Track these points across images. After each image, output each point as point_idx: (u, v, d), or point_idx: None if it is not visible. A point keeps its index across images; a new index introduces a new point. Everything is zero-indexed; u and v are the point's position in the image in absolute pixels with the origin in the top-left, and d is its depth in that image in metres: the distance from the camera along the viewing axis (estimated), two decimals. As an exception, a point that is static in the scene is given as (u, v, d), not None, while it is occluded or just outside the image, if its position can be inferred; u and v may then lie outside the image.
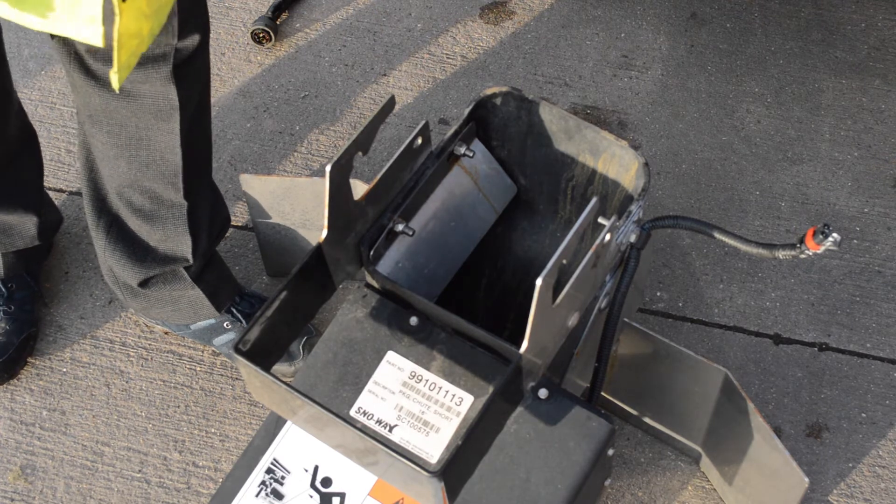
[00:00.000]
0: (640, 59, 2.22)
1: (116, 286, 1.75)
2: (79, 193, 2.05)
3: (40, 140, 2.11)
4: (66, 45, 1.42)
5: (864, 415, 1.77)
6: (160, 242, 1.64)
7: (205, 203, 1.65)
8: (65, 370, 1.85)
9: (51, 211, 1.90)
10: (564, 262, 1.15)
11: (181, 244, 1.64)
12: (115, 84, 1.21)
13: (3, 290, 1.82)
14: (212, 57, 2.24)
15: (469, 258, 1.50)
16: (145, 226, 1.62)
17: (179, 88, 1.44)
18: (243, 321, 1.79)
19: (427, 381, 1.31)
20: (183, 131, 1.49)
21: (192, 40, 1.42)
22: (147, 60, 1.40)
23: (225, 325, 1.79)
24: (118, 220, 1.64)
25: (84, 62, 1.42)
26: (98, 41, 1.16)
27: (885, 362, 1.82)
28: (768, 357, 1.83)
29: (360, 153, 1.25)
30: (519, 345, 1.19)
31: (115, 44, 1.17)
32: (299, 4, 2.33)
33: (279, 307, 1.23)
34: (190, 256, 1.66)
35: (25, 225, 1.77)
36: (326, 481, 1.33)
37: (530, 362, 1.22)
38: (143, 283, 1.70)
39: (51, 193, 2.05)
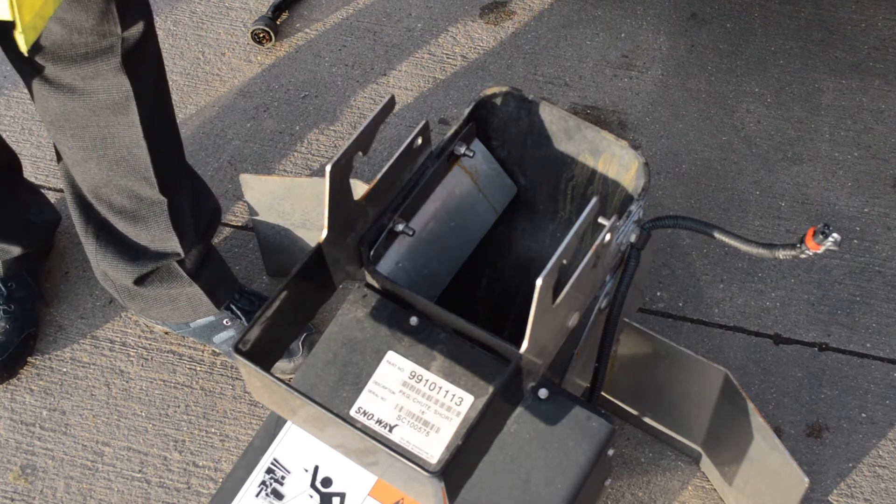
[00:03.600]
0: (640, 59, 2.22)
1: (113, 289, 1.76)
2: (79, 193, 2.05)
3: (39, 140, 2.12)
4: (18, 51, 1.42)
5: (864, 415, 1.77)
6: (149, 242, 1.65)
7: (185, 196, 1.65)
8: (65, 370, 1.85)
9: (48, 211, 1.90)
10: (564, 262, 1.14)
11: (168, 240, 1.65)
12: (23, 46, 1.19)
13: (3, 289, 1.82)
14: (212, 57, 2.24)
15: (469, 258, 1.50)
16: (131, 227, 1.63)
17: (132, 78, 1.44)
18: (243, 318, 1.79)
19: (427, 381, 1.31)
20: (144, 123, 1.49)
21: (137, 28, 1.43)
22: (95, 54, 1.41)
23: (224, 322, 1.79)
24: (105, 224, 1.64)
25: (36, 66, 1.42)
26: (6, 13, 1.15)
27: (885, 362, 1.82)
28: (768, 357, 1.83)
29: (360, 153, 1.25)
30: (519, 345, 1.19)
31: (14, 1, 1.16)
32: (299, 4, 2.33)
33: (279, 307, 1.23)
34: (180, 250, 1.66)
35: (13, 241, 1.79)
36: (326, 481, 1.33)
37: (530, 362, 1.22)
38: (139, 282, 1.70)
39: (50, 193, 2.05)
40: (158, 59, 1.54)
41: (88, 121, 1.48)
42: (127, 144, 1.51)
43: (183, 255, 1.67)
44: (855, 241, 1.95)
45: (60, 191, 2.05)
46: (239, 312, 1.79)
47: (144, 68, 1.47)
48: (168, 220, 1.62)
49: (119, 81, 1.44)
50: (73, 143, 1.52)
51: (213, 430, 1.79)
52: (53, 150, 2.10)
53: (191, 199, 1.67)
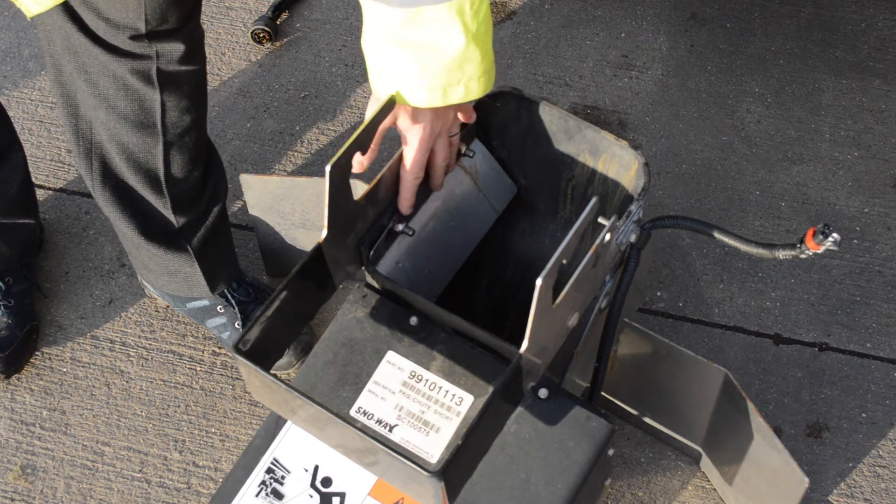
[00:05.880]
0: (640, 59, 2.22)
1: (121, 236, 1.75)
2: (78, 193, 2.05)
3: (39, 140, 2.12)
4: (65, 10, 1.43)
5: (864, 415, 1.77)
6: (142, 199, 1.65)
7: (193, 174, 1.64)
8: (65, 370, 1.85)
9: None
10: (564, 262, 1.14)
11: (163, 207, 1.65)
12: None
13: (1, 284, 1.83)
14: (212, 57, 2.24)
15: (469, 258, 1.50)
16: (129, 180, 1.62)
17: (160, 57, 1.46)
18: (236, 308, 1.80)
19: (427, 380, 1.31)
20: (163, 91, 1.49)
21: (168, 23, 1.44)
22: (119, 27, 1.42)
23: (218, 308, 1.80)
24: (107, 167, 1.62)
25: (86, 26, 1.43)
26: None
27: (885, 362, 1.82)
28: (768, 357, 1.83)
29: (359, 153, 1.25)
30: (519, 345, 1.19)
31: None
32: (299, 4, 2.33)
33: (279, 307, 1.22)
34: (173, 220, 1.66)
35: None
36: (326, 481, 1.33)
37: (530, 362, 1.22)
38: (142, 234, 1.69)
39: (50, 193, 2.05)
40: (195, 60, 1.53)
41: (106, 68, 1.47)
42: (139, 101, 1.51)
43: (176, 224, 1.67)
44: (855, 241, 1.95)
45: (60, 190, 2.06)
46: (233, 302, 1.80)
47: (173, 47, 1.47)
48: (163, 191, 1.62)
49: (144, 47, 1.44)
50: (87, 89, 1.51)
51: (213, 430, 1.79)
52: (54, 151, 2.10)
53: (200, 177, 1.67)
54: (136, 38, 1.43)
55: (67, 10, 1.42)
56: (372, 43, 1.20)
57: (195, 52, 1.52)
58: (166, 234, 1.70)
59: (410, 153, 1.28)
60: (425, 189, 1.40)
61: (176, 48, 1.46)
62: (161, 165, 1.59)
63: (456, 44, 1.15)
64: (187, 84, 1.53)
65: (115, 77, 1.48)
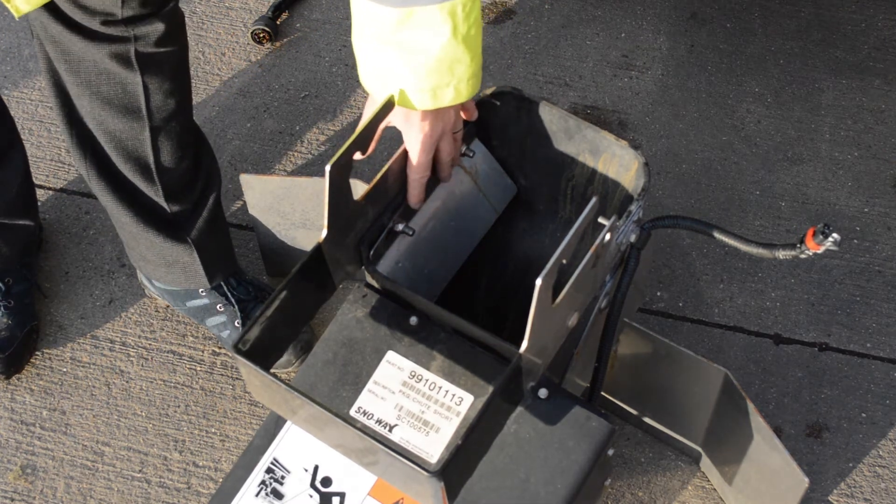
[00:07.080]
0: (640, 59, 2.22)
1: (120, 226, 1.75)
2: (78, 193, 2.05)
3: (39, 140, 2.12)
4: (47, 7, 1.43)
5: (864, 415, 1.77)
6: (135, 187, 1.65)
7: (183, 160, 1.64)
8: (65, 370, 1.85)
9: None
10: (564, 262, 1.14)
11: (155, 194, 1.65)
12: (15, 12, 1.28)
13: (1, 285, 1.82)
14: (212, 57, 2.24)
15: (469, 258, 1.50)
16: (121, 168, 1.63)
17: (137, 42, 1.46)
18: (235, 306, 1.80)
19: (427, 380, 1.31)
20: (140, 63, 1.49)
21: (146, 7, 1.44)
22: (95, 13, 1.42)
23: (218, 307, 1.80)
24: (99, 156, 1.62)
25: (61, 13, 1.43)
26: None
27: (885, 362, 1.82)
28: (768, 357, 1.83)
29: (359, 153, 1.25)
30: (519, 345, 1.19)
31: None
32: (299, 4, 2.33)
33: (279, 307, 1.22)
34: (165, 206, 1.66)
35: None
36: (326, 481, 1.33)
37: (530, 362, 1.22)
38: (138, 220, 1.69)
39: (50, 193, 2.05)
40: (175, 41, 1.53)
41: (86, 53, 1.47)
42: (121, 84, 1.50)
43: (170, 211, 1.67)
44: (855, 241, 1.95)
45: (60, 190, 2.06)
46: (233, 300, 1.79)
47: (150, 29, 1.47)
48: (154, 179, 1.61)
49: (121, 30, 1.44)
50: (70, 78, 1.51)
51: (213, 430, 1.79)
52: (54, 151, 2.10)
53: (191, 165, 1.66)
54: (112, 22, 1.43)
55: (48, 2, 1.42)
56: (362, 42, 1.19)
57: (174, 34, 1.51)
58: (163, 222, 1.69)
59: (415, 155, 1.28)
60: (433, 182, 1.40)
61: (154, 30, 1.46)
62: (150, 152, 1.58)
63: (446, 46, 1.14)
64: (167, 65, 1.52)
65: (96, 62, 1.48)
